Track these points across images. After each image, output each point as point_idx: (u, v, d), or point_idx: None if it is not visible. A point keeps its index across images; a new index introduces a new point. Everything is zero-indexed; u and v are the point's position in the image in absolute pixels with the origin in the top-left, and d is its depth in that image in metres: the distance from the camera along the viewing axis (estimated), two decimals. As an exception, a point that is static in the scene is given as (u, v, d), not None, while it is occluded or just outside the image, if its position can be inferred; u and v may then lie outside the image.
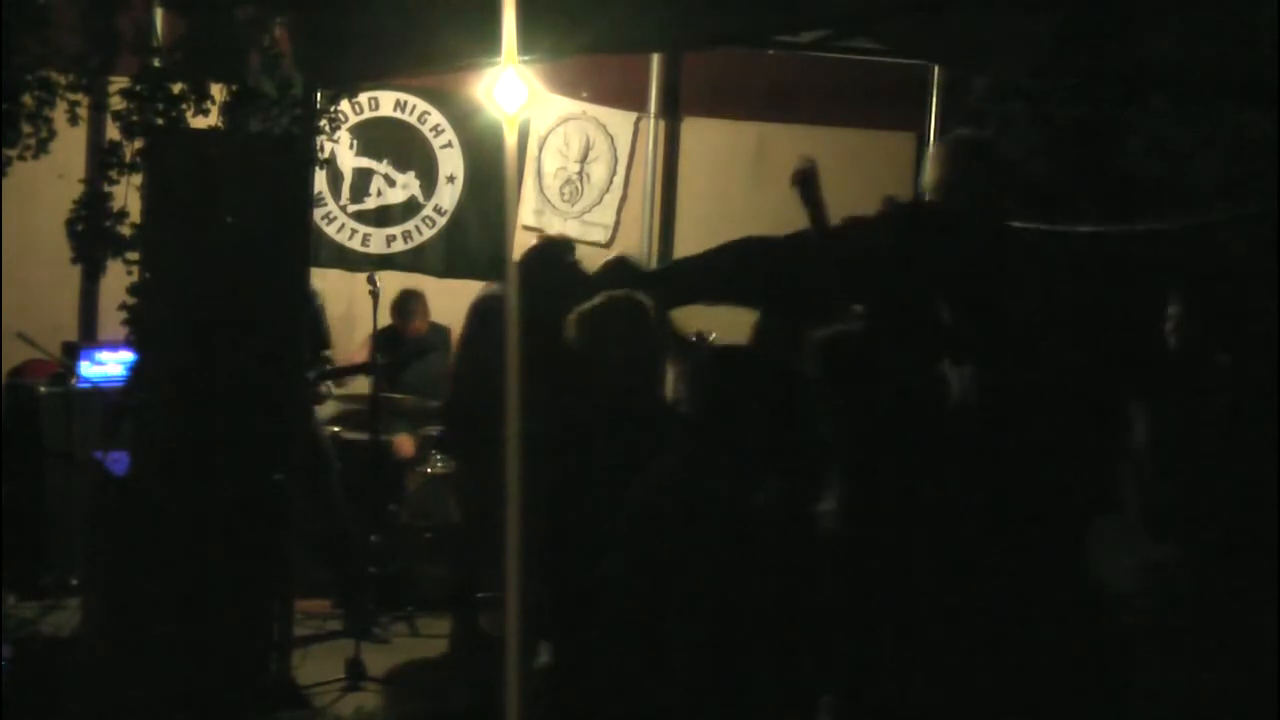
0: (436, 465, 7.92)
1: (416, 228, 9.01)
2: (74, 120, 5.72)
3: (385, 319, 8.17)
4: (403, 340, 8.33)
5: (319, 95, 5.96)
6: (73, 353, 7.45)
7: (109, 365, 7.34)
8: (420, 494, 7.92)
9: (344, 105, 6.40)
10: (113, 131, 5.73)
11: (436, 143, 8.99)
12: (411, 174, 8.97)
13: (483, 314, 6.70)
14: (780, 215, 9.38)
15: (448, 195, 9.03)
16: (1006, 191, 5.10)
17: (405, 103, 8.90)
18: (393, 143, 8.91)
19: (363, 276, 7.84)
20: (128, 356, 5.99)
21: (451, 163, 9.02)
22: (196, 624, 5.68)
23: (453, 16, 5.74)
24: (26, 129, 5.60)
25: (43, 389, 7.29)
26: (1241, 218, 7.92)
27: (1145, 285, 5.53)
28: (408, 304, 8.44)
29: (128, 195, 5.66)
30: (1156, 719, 4.67)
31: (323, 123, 5.97)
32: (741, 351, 4.52)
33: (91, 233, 5.63)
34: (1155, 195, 9.01)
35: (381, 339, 8.00)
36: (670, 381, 5.24)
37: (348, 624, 6.99)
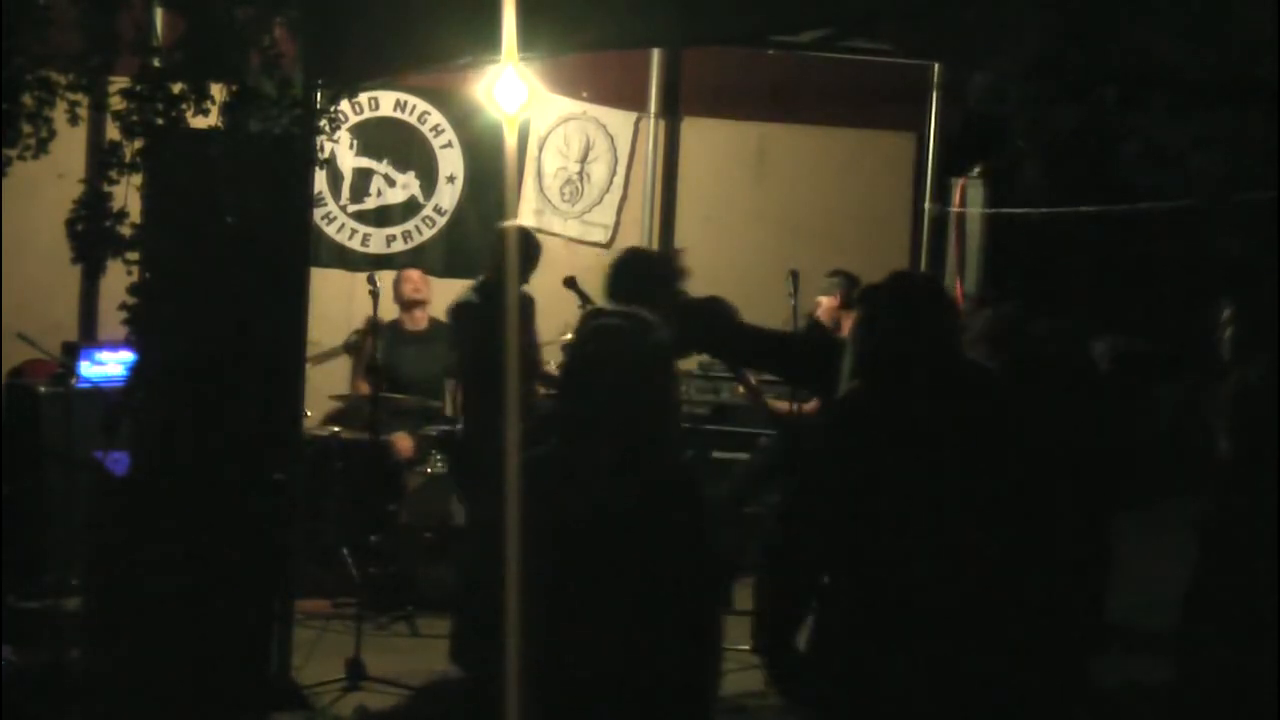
0: (436, 465, 7.92)
1: (416, 228, 9.01)
2: (74, 120, 5.71)
3: (386, 319, 8.18)
4: (403, 330, 8.36)
5: (319, 95, 5.96)
6: (73, 353, 7.44)
7: (109, 365, 7.34)
8: (420, 494, 7.92)
9: (344, 105, 6.40)
10: (113, 131, 5.72)
11: (436, 143, 8.99)
12: (411, 174, 8.98)
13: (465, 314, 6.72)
14: (780, 215, 9.46)
15: (448, 195, 9.04)
16: None
17: (405, 103, 8.90)
18: (393, 143, 8.93)
19: (363, 276, 7.84)
20: (128, 356, 5.99)
21: (451, 163, 9.03)
22: (197, 623, 5.68)
23: (453, 14, 5.75)
24: (26, 129, 5.60)
25: (43, 389, 7.28)
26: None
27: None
28: (407, 278, 8.47)
29: (128, 195, 5.66)
30: None
31: (323, 123, 5.97)
32: None
33: (91, 233, 5.63)
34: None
35: (384, 330, 8.03)
36: None
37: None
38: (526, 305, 6.77)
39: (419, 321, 8.43)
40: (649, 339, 3.62)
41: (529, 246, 6.82)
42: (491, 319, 6.23)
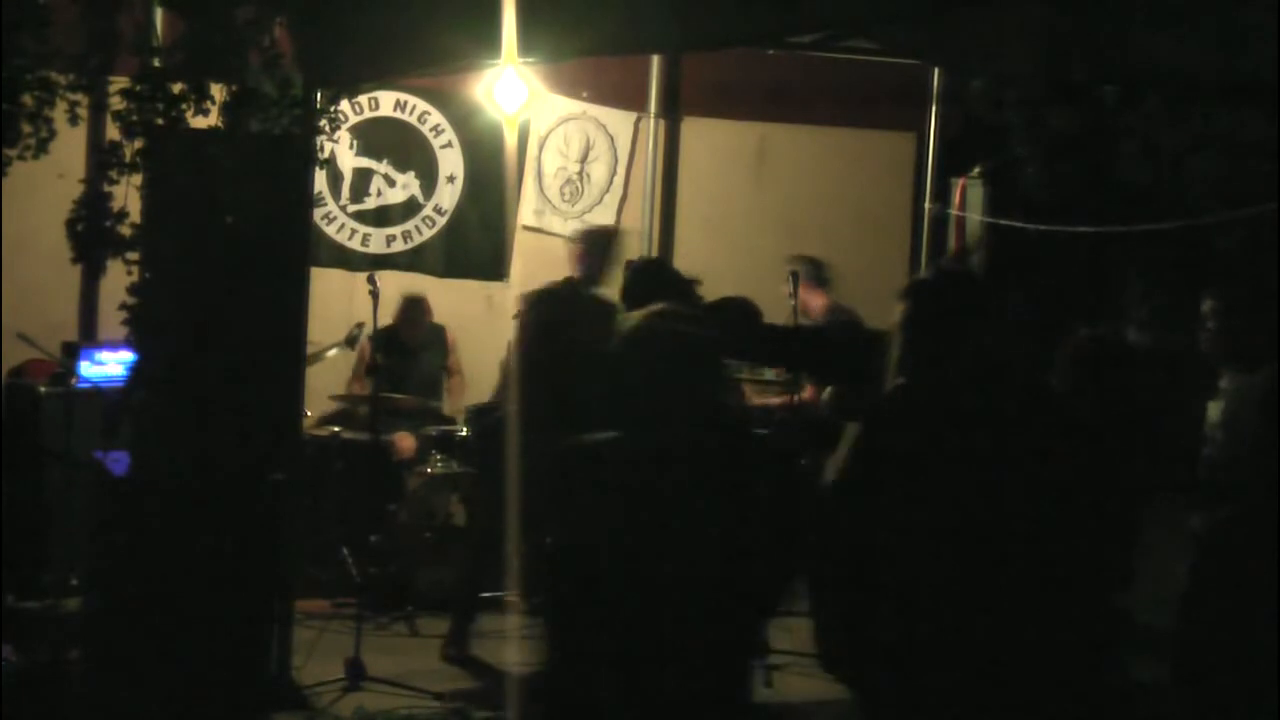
0: (436, 465, 7.93)
1: (416, 228, 9.01)
2: (74, 120, 5.72)
3: (385, 319, 8.17)
4: (400, 341, 8.34)
5: (319, 95, 5.96)
6: (73, 353, 7.45)
7: (109, 365, 7.34)
8: (420, 494, 7.92)
9: (344, 105, 6.40)
10: (113, 131, 5.73)
11: (436, 143, 8.99)
12: (411, 174, 8.97)
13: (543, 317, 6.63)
14: (780, 215, 9.46)
15: (448, 195, 9.03)
16: None
17: (405, 103, 8.90)
18: (393, 143, 8.92)
19: (363, 276, 7.84)
20: (128, 356, 5.99)
21: (451, 163, 9.03)
22: (196, 624, 5.68)
23: (453, 17, 5.75)
24: (26, 129, 5.60)
25: (43, 389, 7.29)
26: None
27: None
28: (411, 311, 8.46)
29: (128, 195, 5.67)
30: None
31: (323, 123, 5.97)
32: None
33: (91, 233, 5.63)
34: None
35: (380, 339, 8.02)
36: None
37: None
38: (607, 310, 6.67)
39: (413, 335, 8.47)
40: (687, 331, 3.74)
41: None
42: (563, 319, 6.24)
